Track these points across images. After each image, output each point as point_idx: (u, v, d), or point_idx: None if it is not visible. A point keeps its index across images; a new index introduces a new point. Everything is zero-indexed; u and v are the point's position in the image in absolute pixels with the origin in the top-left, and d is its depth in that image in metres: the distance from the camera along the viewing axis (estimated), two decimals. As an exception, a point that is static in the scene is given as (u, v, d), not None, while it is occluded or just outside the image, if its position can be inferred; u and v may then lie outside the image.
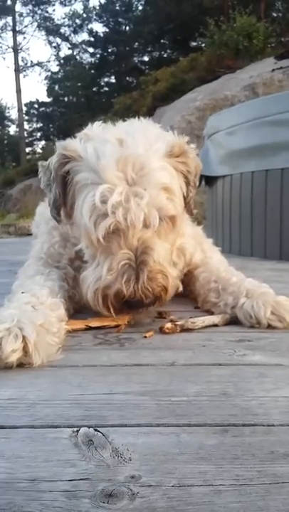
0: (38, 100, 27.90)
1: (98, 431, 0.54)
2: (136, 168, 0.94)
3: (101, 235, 0.94)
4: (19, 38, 24.56)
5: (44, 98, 28.77)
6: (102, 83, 26.03)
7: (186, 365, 0.77)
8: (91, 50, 25.64)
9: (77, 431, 0.54)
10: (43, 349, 0.77)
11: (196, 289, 1.19)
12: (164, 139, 1.04)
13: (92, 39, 25.38)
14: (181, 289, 1.06)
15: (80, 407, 0.61)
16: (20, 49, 24.82)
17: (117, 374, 0.74)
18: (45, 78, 27.37)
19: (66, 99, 26.55)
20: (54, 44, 25.94)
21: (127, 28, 24.24)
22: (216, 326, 1.02)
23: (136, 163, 0.94)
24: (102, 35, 24.86)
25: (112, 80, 25.84)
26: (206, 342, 0.90)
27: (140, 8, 23.61)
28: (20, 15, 24.65)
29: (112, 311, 0.98)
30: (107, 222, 0.93)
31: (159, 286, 0.96)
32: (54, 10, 31.44)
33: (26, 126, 27.20)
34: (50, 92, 27.40)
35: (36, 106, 27.93)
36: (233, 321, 1.04)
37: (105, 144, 0.98)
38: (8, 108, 28.86)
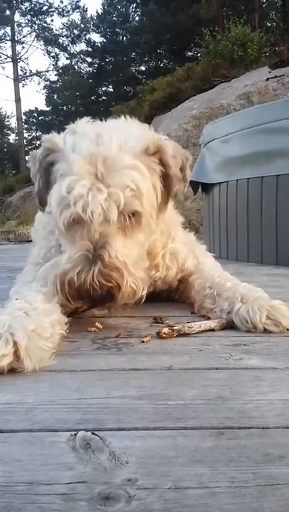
0: (37, 109, 28.17)
1: (96, 434, 0.54)
2: (106, 164, 0.97)
3: (62, 224, 0.99)
4: (18, 47, 24.85)
5: (43, 107, 28.98)
6: (100, 92, 26.30)
7: (182, 370, 0.78)
8: (89, 59, 25.97)
9: (75, 435, 0.54)
10: (35, 354, 0.77)
11: (192, 296, 1.20)
12: (140, 138, 1.06)
13: (90, 49, 25.72)
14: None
15: (78, 411, 0.61)
16: (19, 59, 25.09)
17: (114, 378, 0.74)
18: (44, 87, 27.65)
19: (65, 108, 26.78)
20: (52, 54, 26.26)
21: (124, 38, 24.56)
22: (212, 330, 1.02)
23: (107, 159, 0.97)
24: (99, 45, 25.19)
25: (110, 89, 26.11)
26: (203, 346, 0.91)
27: (137, 18, 23.98)
28: (19, 25, 24.99)
29: (70, 298, 0.98)
30: (69, 213, 0.97)
31: (110, 283, 0.94)
32: (52, 20, 31.81)
33: (26, 134, 27.40)
34: (49, 101, 27.64)
35: (35, 115, 28.15)
36: (230, 326, 1.04)
37: (83, 139, 1.02)
38: (8, 117, 29.09)
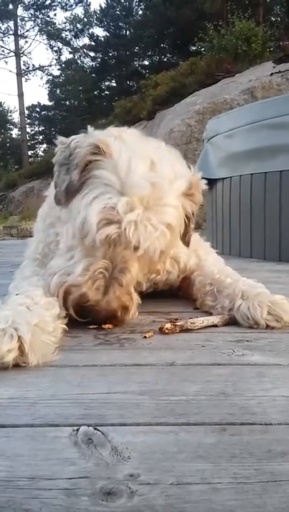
0: (39, 104, 28.12)
1: (98, 430, 0.54)
2: (156, 197, 0.97)
3: (99, 238, 0.95)
4: (21, 42, 24.80)
5: (46, 102, 28.94)
6: (103, 87, 26.19)
7: (185, 365, 0.77)
8: (92, 54, 25.85)
9: (77, 430, 0.54)
10: (39, 349, 0.77)
11: (194, 293, 1.20)
12: (184, 177, 1.07)
13: (93, 43, 25.58)
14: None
15: (80, 406, 0.61)
16: (22, 53, 25.03)
17: (116, 374, 0.74)
18: (47, 82, 27.59)
19: (68, 102, 26.71)
20: (55, 48, 26.18)
21: (128, 32, 24.41)
22: (215, 326, 1.02)
23: (158, 192, 0.98)
24: (102, 39, 25.05)
25: (113, 83, 25.99)
26: (206, 342, 0.91)
27: (140, 12, 23.80)
28: (22, 19, 24.90)
29: (71, 311, 0.97)
30: (113, 231, 0.94)
31: (120, 306, 0.97)
32: (55, 14, 31.59)
33: (28, 129, 27.41)
34: (51, 95, 27.56)
35: (38, 109, 28.10)
36: (233, 322, 1.04)
37: (140, 160, 0.99)
38: (11, 111, 29.06)
